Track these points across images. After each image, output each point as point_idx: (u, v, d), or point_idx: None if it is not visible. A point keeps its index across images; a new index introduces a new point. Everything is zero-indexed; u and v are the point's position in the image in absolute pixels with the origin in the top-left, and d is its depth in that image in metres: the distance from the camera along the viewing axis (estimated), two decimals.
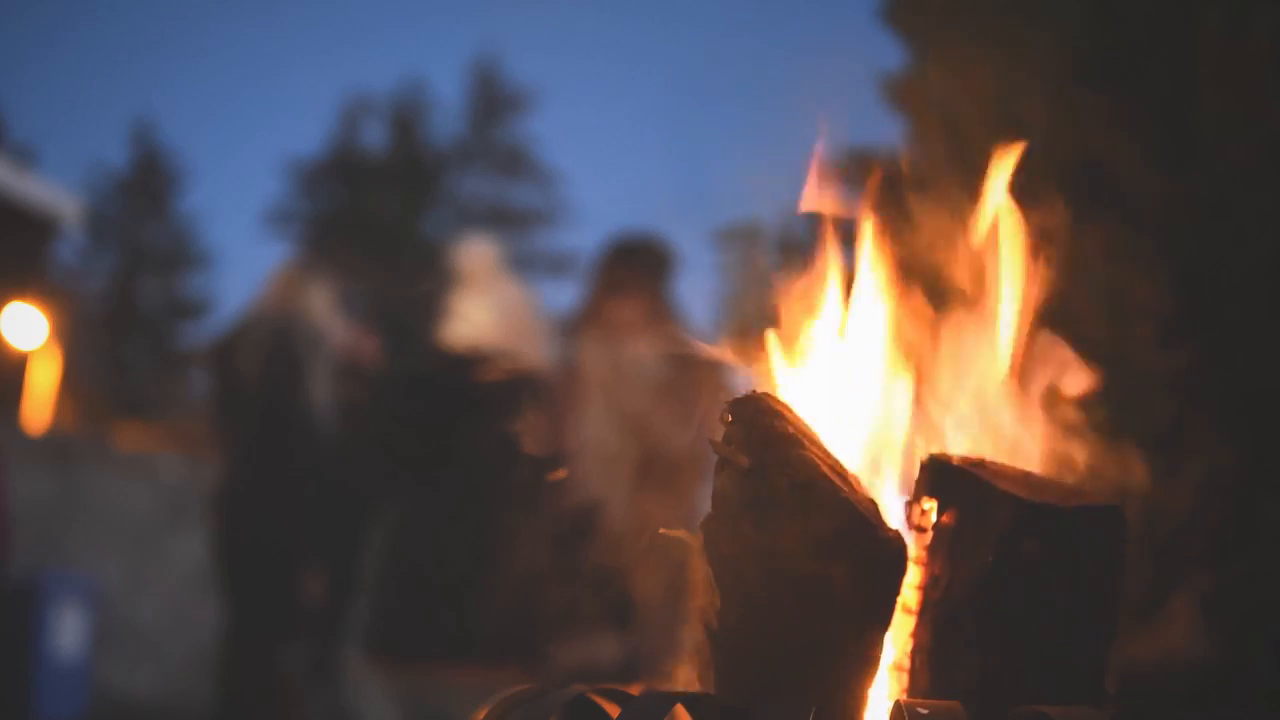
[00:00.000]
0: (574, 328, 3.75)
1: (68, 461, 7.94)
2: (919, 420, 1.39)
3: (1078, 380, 1.37)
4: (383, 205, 25.80)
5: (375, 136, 27.43)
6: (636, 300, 3.59)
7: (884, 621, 1.21)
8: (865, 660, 1.20)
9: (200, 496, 6.07)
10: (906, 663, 1.27)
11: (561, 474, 1.91)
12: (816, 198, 1.39)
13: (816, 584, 1.15)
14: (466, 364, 3.51)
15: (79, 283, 22.68)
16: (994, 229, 1.39)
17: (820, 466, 1.18)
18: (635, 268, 3.74)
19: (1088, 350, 1.40)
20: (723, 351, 1.41)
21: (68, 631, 6.75)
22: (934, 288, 1.43)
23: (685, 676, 1.34)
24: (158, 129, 33.43)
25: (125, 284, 26.23)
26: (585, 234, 28.25)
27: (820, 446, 1.23)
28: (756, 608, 1.18)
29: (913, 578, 1.27)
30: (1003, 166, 1.39)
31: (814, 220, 1.40)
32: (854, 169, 1.41)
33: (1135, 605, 1.33)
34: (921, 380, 1.39)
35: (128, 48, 56.90)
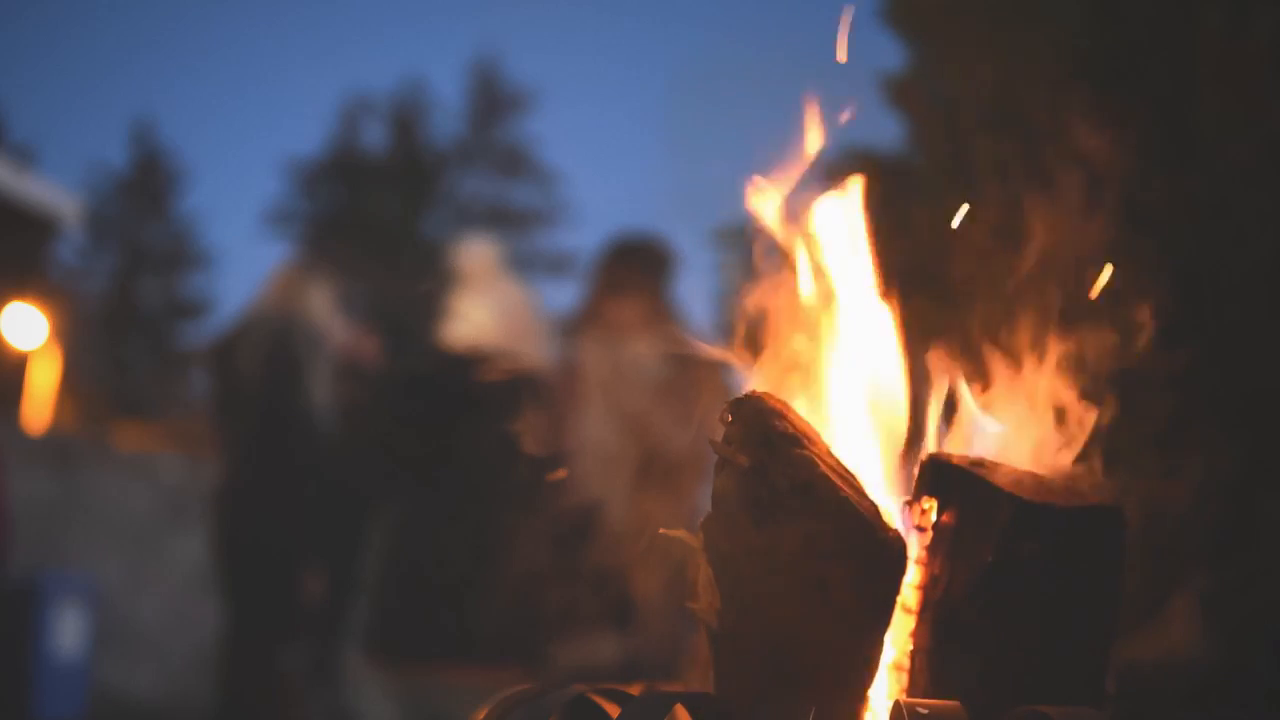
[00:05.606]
0: (574, 328, 3.75)
1: (68, 461, 7.93)
2: (920, 420, 1.39)
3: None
4: (383, 205, 25.80)
5: (375, 136, 27.46)
6: (636, 300, 3.59)
7: (884, 621, 1.21)
8: (865, 660, 1.19)
9: (200, 496, 6.07)
10: (906, 663, 1.27)
11: (561, 474, 1.91)
12: (809, 198, 1.39)
13: (816, 584, 1.15)
14: (466, 364, 3.51)
15: (79, 283, 22.69)
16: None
17: (820, 466, 1.18)
18: (635, 268, 3.73)
19: (1088, 350, 1.40)
20: (723, 351, 1.40)
21: (68, 631, 6.75)
22: (931, 285, 1.43)
23: (685, 677, 1.34)
24: (158, 129, 33.46)
25: (125, 284, 26.23)
26: (585, 234, 28.23)
27: (820, 446, 1.23)
28: (756, 608, 1.17)
29: (913, 578, 1.27)
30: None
31: (810, 219, 1.40)
32: (854, 168, 1.41)
33: (1135, 605, 1.33)
34: (921, 379, 1.39)
35: (128, 48, 56.88)
